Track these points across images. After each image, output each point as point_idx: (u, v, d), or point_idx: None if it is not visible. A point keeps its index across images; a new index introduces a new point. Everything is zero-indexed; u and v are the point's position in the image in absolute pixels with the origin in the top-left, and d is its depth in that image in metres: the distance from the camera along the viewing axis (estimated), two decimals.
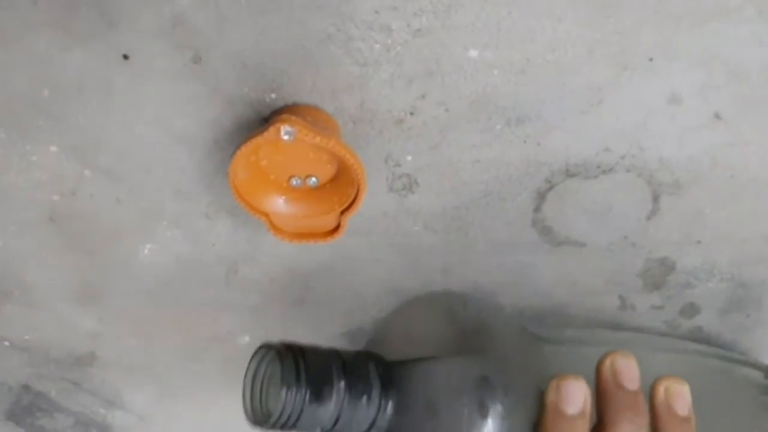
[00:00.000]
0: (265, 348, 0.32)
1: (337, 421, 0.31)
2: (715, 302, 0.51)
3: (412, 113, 0.39)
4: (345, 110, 0.39)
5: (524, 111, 0.39)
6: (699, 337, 0.53)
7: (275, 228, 0.41)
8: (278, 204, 0.40)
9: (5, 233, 0.45)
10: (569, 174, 0.43)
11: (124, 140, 0.40)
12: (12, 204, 0.43)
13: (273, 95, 0.38)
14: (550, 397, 0.31)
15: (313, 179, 0.40)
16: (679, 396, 0.32)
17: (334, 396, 0.30)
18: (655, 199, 0.44)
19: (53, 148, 0.41)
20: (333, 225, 0.41)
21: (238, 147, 0.36)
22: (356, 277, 0.48)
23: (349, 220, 0.40)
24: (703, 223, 0.46)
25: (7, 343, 0.52)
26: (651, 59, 0.37)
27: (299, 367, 0.30)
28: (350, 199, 0.39)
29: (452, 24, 0.35)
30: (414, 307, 0.35)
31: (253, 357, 0.32)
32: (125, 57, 0.36)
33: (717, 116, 0.40)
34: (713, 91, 0.39)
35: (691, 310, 0.51)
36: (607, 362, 0.32)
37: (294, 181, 0.40)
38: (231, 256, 0.47)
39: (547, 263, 0.48)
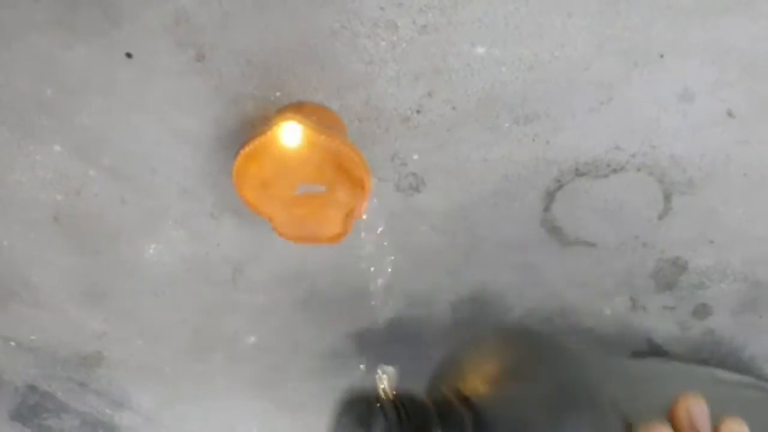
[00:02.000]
0: (362, 397, 0.33)
1: None
2: (727, 303, 0.50)
3: (418, 111, 0.38)
4: (350, 108, 0.38)
5: (533, 109, 0.39)
6: (711, 339, 0.52)
7: (280, 229, 0.41)
8: (283, 206, 0.40)
9: (10, 233, 0.45)
10: (579, 173, 0.42)
11: (128, 139, 0.40)
12: (16, 204, 0.43)
13: (278, 93, 0.38)
14: None
15: (318, 186, 0.39)
16: None
17: None
18: (667, 198, 0.43)
19: (57, 148, 0.41)
20: (339, 225, 0.41)
21: (241, 146, 0.36)
22: (362, 278, 0.48)
23: (354, 220, 0.40)
24: (716, 223, 0.45)
25: (13, 344, 0.52)
26: (662, 55, 0.36)
27: (401, 417, 0.32)
28: (356, 200, 0.39)
29: (459, 20, 0.35)
30: (503, 348, 0.36)
31: (345, 405, 0.33)
32: (128, 55, 0.36)
33: (730, 113, 0.39)
34: (726, 88, 0.38)
35: (703, 311, 0.50)
36: (683, 406, 0.34)
37: (299, 188, 0.39)
38: (237, 256, 0.47)
39: (557, 264, 0.47)
